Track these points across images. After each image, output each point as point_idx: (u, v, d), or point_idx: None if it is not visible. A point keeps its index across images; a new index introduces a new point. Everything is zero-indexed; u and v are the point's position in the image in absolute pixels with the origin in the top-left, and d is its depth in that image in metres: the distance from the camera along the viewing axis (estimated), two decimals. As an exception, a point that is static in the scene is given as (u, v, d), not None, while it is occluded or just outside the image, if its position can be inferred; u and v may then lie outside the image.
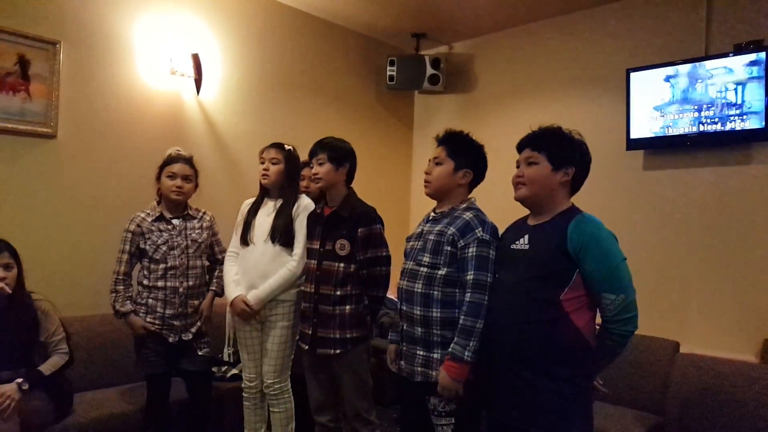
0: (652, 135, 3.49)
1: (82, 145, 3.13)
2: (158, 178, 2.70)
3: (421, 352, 2.03)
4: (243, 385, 2.69)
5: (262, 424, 2.71)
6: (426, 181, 2.16)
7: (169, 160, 2.68)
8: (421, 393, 2.05)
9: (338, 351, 2.40)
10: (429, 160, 2.18)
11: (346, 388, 2.43)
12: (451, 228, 2.02)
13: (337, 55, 4.49)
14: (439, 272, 2.01)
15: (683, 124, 3.36)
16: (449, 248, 2.01)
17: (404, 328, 2.10)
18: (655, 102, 3.47)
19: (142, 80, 3.36)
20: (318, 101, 4.34)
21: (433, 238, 2.05)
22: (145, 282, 2.63)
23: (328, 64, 4.42)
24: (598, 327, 1.79)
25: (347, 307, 2.40)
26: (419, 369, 2.03)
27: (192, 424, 2.75)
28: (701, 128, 3.30)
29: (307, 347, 2.48)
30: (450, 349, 1.94)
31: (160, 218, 2.66)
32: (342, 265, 2.41)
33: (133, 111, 3.33)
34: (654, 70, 3.47)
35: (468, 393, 1.97)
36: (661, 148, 3.54)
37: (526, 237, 1.87)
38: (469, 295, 1.94)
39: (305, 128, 4.18)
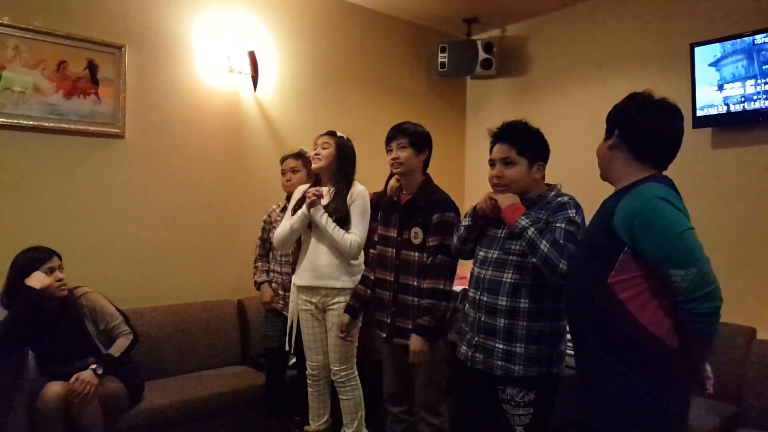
0: (720, 112, 3.32)
1: (148, 144, 3.27)
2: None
3: (501, 346, 1.97)
4: (307, 372, 2.75)
5: (325, 410, 2.76)
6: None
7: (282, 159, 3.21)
8: (496, 384, 2.01)
9: None
10: None
11: (419, 379, 2.38)
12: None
13: (388, 44, 4.49)
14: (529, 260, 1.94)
15: (754, 99, 3.18)
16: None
17: (482, 319, 2.03)
18: (722, 77, 3.28)
19: (201, 79, 3.47)
20: (370, 91, 4.36)
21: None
22: (270, 266, 3.16)
23: (379, 54, 4.42)
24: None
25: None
26: (499, 363, 1.97)
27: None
28: (775, 102, 3.10)
29: (384, 336, 2.47)
30: None
31: (285, 209, 3.00)
32: (417, 254, 2.38)
33: (195, 109, 3.44)
34: (719, 44, 3.28)
35: (547, 383, 1.97)
36: (730, 125, 3.35)
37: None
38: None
39: (358, 119, 4.21)
